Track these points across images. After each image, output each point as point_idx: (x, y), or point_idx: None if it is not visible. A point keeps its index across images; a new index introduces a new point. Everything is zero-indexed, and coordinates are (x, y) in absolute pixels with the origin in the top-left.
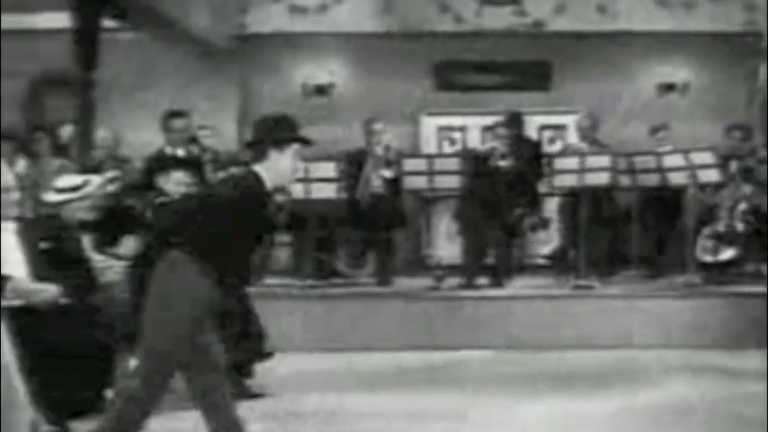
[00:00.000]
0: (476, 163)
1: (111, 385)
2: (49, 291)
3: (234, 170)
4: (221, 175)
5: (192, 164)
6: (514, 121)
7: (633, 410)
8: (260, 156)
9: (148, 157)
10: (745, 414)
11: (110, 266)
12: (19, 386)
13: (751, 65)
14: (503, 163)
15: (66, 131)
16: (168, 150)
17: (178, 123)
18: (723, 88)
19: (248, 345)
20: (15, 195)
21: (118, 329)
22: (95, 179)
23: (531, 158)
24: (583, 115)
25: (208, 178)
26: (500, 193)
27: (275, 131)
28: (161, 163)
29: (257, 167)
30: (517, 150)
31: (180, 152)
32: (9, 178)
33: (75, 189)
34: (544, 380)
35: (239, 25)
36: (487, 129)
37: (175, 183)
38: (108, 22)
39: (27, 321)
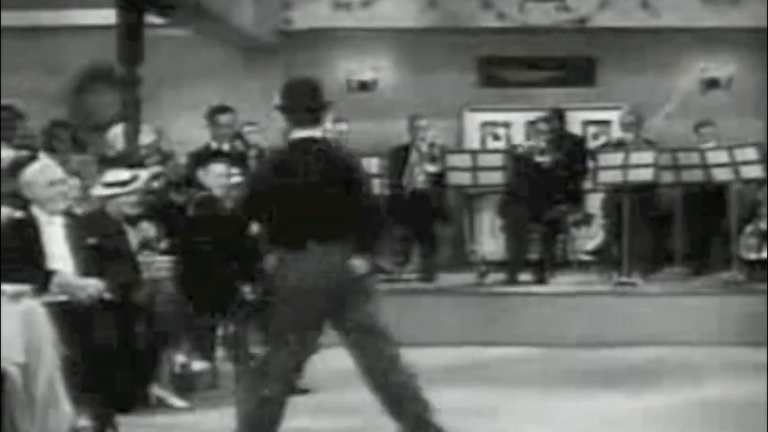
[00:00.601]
0: (517, 159)
1: (156, 381)
2: (95, 286)
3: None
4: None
5: (230, 156)
6: (556, 117)
7: (676, 408)
8: (317, 121)
9: (190, 153)
10: None
11: (155, 262)
12: (59, 384)
13: None
14: (542, 158)
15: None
16: (213, 145)
17: (224, 118)
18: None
19: None
20: (63, 188)
21: (162, 325)
22: (143, 174)
23: (574, 154)
24: (626, 111)
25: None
26: (542, 189)
27: (323, 95)
28: (200, 157)
29: (314, 133)
30: (559, 146)
31: (225, 147)
32: (58, 171)
33: (123, 184)
34: (587, 377)
35: (283, 21)
36: (531, 124)
37: (215, 176)
38: (152, 19)
39: (72, 316)
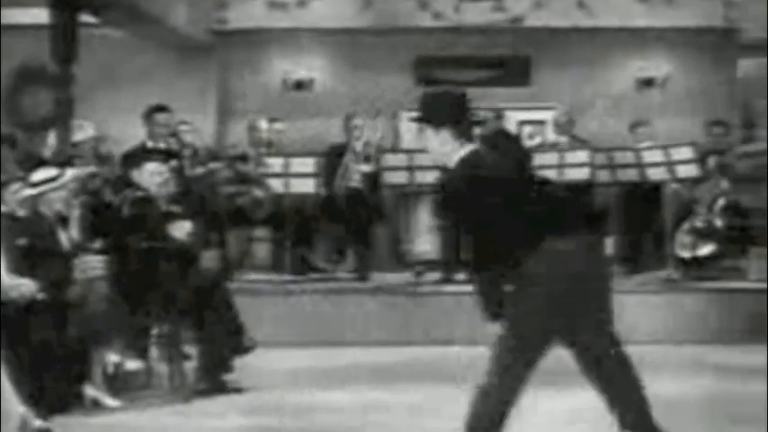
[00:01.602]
0: None
1: (89, 381)
2: (27, 286)
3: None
4: (200, 170)
5: (163, 153)
6: (495, 117)
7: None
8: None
9: (124, 153)
10: (731, 410)
11: (89, 262)
12: (7, 382)
13: (730, 60)
14: None
15: (77, 126)
16: (150, 144)
17: (161, 118)
18: (702, 83)
19: (227, 339)
20: None
21: (95, 324)
22: (69, 171)
23: (511, 152)
24: (560, 111)
25: (186, 173)
26: None
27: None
28: (133, 157)
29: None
30: (495, 144)
31: (161, 146)
32: None
33: (50, 180)
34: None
35: (218, 21)
36: None
37: (149, 174)
38: (86, 18)
39: (4, 317)
